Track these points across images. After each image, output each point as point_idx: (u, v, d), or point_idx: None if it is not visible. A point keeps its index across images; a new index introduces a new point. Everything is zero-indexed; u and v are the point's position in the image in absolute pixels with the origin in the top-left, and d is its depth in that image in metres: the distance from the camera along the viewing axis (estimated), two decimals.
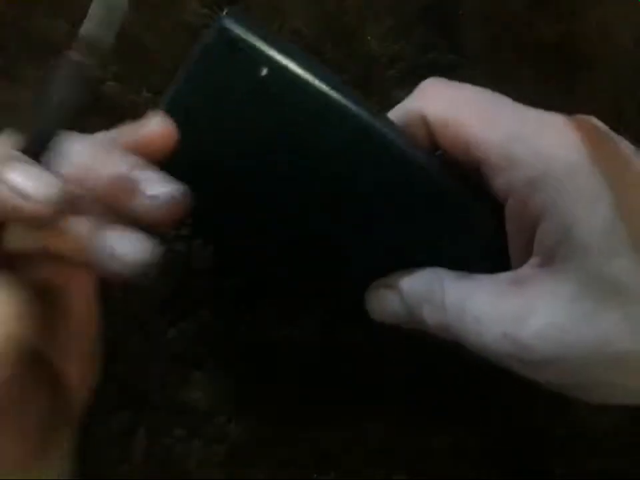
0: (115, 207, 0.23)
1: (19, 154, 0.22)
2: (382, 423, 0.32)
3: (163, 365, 0.32)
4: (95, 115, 0.29)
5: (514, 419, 0.33)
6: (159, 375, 0.32)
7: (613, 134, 0.24)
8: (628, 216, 0.22)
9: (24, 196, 0.21)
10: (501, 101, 0.25)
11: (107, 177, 0.23)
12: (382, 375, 0.32)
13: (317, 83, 0.24)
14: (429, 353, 0.30)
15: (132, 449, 0.31)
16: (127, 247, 0.22)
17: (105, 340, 0.28)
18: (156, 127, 0.24)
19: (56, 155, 0.23)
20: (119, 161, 0.23)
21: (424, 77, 0.27)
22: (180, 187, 0.23)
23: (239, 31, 0.24)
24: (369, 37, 0.33)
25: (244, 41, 0.24)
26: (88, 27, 0.23)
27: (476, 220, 0.26)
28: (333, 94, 0.24)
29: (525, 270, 0.24)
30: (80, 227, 0.23)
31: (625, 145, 0.24)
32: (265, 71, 0.24)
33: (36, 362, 0.25)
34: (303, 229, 0.26)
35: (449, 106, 0.25)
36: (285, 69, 0.24)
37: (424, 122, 0.25)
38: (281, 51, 0.24)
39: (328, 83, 0.24)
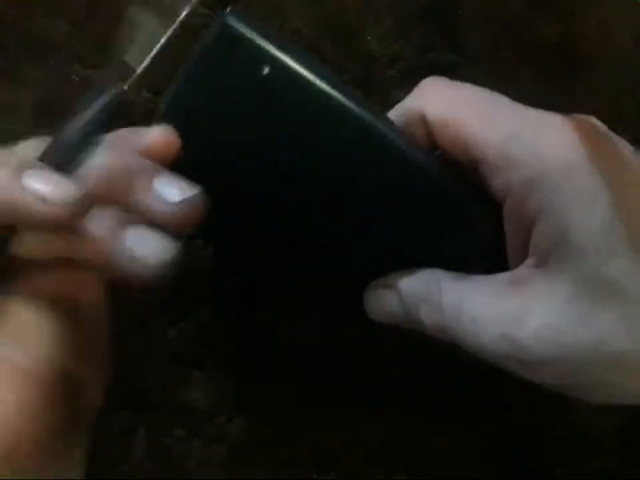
0: (132, 209, 0.23)
1: (37, 161, 0.22)
2: (382, 423, 0.32)
3: (162, 365, 0.32)
4: None
5: (514, 419, 0.33)
6: (159, 375, 0.32)
7: (611, 134, 0.24)
8: (627, 216, 0.22)
9: (41, 199, 0.21)
10: (501, 100, 0.25)
11: (125, 182, 0.23)
12: (382, 374, 0.32)
13: (318, 82, 0.24)
14: (428, 352, 0.30)
15: (132, 448, 0.31)
16: (147, 248, 0.22)
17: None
18: (158, 136, 0.24)
19: (76, 162, 0.23)
20: (137, 166, 0.23)
21: (424, 77, 0.27)
22: (197, 191, 0.23)
23: (242, 28, 0.24)
24: (369, 37, 0.33)
25: (247, 38, 0.24)
26: (127, 52, 0.23)
27: (475, 220, 0.26)
28: (334, 94, 0.24)
29: (521, 270, 0.24)
30: (99, 229, 0.23)
31: (624, 145, 0.24)
32: (266, 70, 0.24)
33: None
34: (303, 229, 0.26)
35: (448, 106, 0.25)
36: (286, 68, 0.24)
37: (423, 121, 0.25)
38: (283, 50, 0.24)
39: (329, 83, 0.24)
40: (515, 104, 0.25)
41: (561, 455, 0.33)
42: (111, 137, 0.24)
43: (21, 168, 0.21)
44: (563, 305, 0.22)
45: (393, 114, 0.26)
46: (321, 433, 0.32)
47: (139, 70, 0.23)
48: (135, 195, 0.23)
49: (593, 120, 0.24)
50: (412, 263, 0.26)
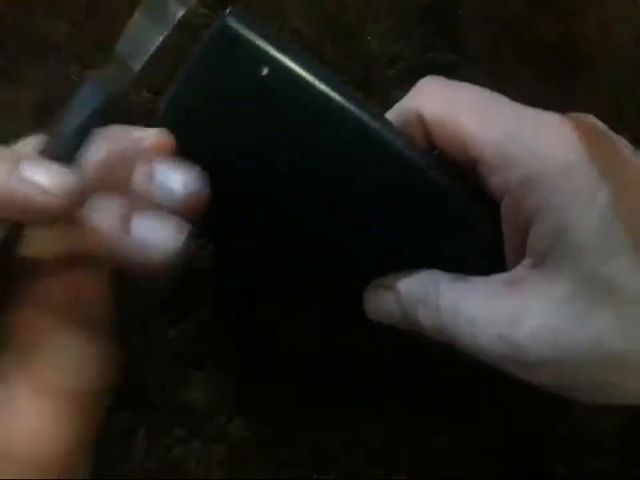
0: (137, 198, 0.23)
1: (35, 153, 0.22)
2: (382, 423, 0.32)
3: (163, 365, 0.32)
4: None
5: (514, 419, 0.33)
6: (159, 375, 0.32)
7: (611, 133, 0.24)
8: (626, 215, 0.22)
9: (40, 189, 0.20)
10: (499, 100, 0.25)
11: (124, 169, 0.22)
12: (382, 375, 0.32)
13: (316, 83, 0.24)
14: (428, 353, 0.30)
15: (132, 448, 0.31)
16: (157, 236, 0.22)
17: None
18: (154, 139, 0.24)
19: (74, 155, 0.22)
20: (134, 153, 0.23)
21: (424, 77, 0.27)
22: (198, 176, 0.23)
23: (241, 29, 0.24)
24: (369, 37, 0.33)
25: (245, 39, 0.24)
26: (123, 44, 0.23)
27: (472, 220, 0.26)
28: (332, 95, 0.24)
29: (519, 271, 0.24)
30: (106, 220, 0.22)
31: (624, 144, 0.24)
32: (265, 71, 0.24)
33: None
34: (303, 229, 0.26)
35: (445, 105, 0.25)
36: (285, 69, 0.24)
37: (421, 121, 0.25)
38: (282, 50, 0.24)
39: (327, 84, 0.24)
40: (513, 103, 0.25)
41: (561, 455, 0.33)
42: (107, 130, 0.24)
43: (20, 160, 0.21)
44: (561, 305, 0.22)
45: (391, 114, 0.26)
46: (321, 432, 0.32)
47: (137, 68, 0.23)
48: (135, 184, 0.23)
49: (592, 119, 0.24)
50: (411, 263, 0.26)
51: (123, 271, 0.24)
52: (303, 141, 0.25)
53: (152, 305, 0.31)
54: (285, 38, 0.32)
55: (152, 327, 0.32)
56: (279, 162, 0.25)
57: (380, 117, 0.25)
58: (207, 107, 0.25)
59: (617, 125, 0.25)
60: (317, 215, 0.26)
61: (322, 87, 0.24)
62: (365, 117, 0.24)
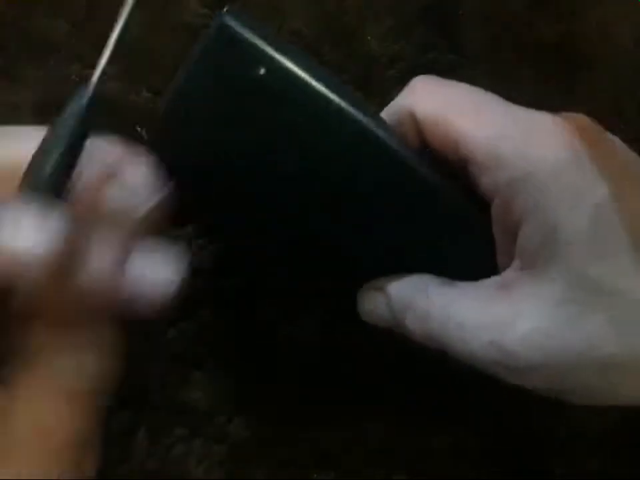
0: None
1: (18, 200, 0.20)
2: (382, 423, 0.32)
3: (163, 365, 0.32)
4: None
5: (514, 419, 0.33)
6: (159, 375, 0.32)
7: (604, 132, 0.24)
8: (623, 215, 0.22)
9: (18, 259, 0.19)
10: (492, 99, 0.25)
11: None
12: (382, 375, 0.32)
13: (313, 83, 0.24)
14: (429, 353, 0.30)
15: (132, 448, 0.31)
16: (156, 274, 0.21)
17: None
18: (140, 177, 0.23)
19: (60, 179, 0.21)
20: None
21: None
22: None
23: (238, 28, 0.24)
24: (369, 37, 0.33)
25: (242, 39, 0.24)
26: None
27: (464, 220, 0.26)
28: (329, 95, 0.24)
29: (509, 274, 0.24)
30: (98, 263, 0.21)
31: (617, 143, 0.24)
32: (262, 70, 0.24)
33: None
34: (303, 229, 0.26)
35: (438, 104, 0.25)
36: (282, 69, 0.24)
37: (413, 120, 0.25)
38: (279, 50, 0.24)
39: (325, 84, 0.24)
40: (507, 103, 0.24)
41: (561, 455, 0.33)
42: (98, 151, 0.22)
43: None
44: (552, 308, 0.22)
45: (385, 113, 0.26)
46: (321, 432, 0.32)
47: (99, 65, 0.22)
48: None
49: (585, 118, 0.24)
50: (408, 263, 0.26)
51: (125, 313, 0.23)
52: (301, 141, 0.25)
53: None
54: (285, 38, 0.32)
55: (152, 327, 0.32)
56: (279, 162, 0.25)
57: (375, 116, 0.25)
58: (207, 107, 0.25)
59: (617, 125, 0.25)
60: (317, 215, 0.26)
61: (318, 86, 0.24)
62: (359, 116, 0.24)
